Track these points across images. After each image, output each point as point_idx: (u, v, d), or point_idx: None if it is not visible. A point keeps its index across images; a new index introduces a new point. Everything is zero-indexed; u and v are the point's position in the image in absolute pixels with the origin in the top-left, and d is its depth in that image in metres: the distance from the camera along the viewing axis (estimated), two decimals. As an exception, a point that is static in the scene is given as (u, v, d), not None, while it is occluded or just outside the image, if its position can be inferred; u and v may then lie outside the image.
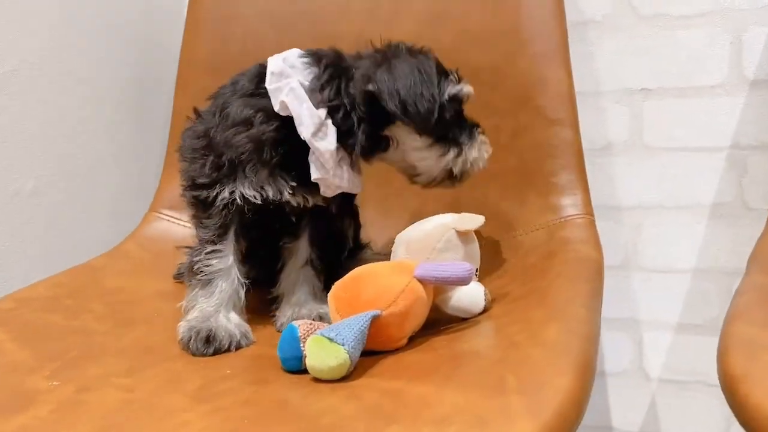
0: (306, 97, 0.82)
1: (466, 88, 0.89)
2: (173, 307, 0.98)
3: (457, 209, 1.10)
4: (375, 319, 0.70)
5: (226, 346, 0.79)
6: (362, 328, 0.68)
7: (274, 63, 0.85)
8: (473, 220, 0.83)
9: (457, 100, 0.89)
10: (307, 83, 0.84)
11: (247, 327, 0.84)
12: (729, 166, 1.17)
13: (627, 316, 1.28)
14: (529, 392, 0.59)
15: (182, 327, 0.82)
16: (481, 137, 0.92)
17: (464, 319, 0.81)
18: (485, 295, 0.81)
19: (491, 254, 0.97)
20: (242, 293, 0.86)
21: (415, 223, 0.86)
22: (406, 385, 0.64)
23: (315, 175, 0.83)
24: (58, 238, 1.17)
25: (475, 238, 0.85)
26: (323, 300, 0.86)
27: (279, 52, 0.90)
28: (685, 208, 1.21)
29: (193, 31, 1.24)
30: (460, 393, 0.61)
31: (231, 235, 0.86)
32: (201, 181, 0.84)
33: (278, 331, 0.86)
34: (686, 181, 1.20)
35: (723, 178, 1.18)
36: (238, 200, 0.83)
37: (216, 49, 1.23)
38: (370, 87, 0.83)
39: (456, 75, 0.89)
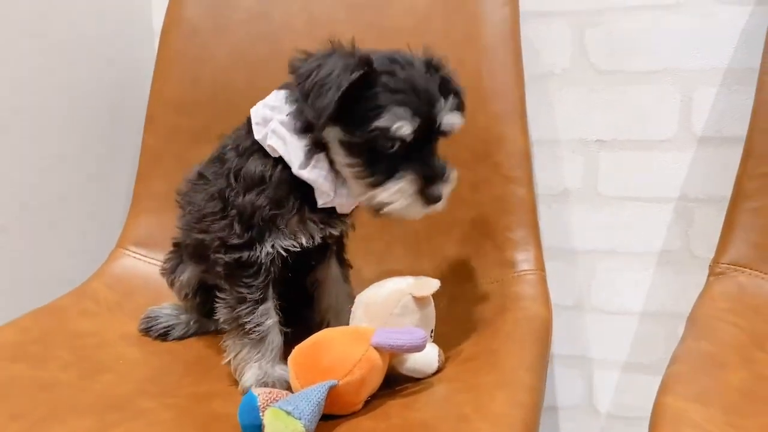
0: (287, 134, 0.83)
1: (403, 130, 0.77)
2: (138, 352, 1.01)
3: (418, 256, 1.15)
4: (332, 388, 0.74)
5: None
6: (319, 400, 0.72)
7: (255, 113, 0.86)
8: (429, 286, 0.86)
9: (386, 135, 0.77)
10: (286, 118, 0.83)
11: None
12: (677, 216, 1.23)
13: (579, 353, 1.33)
14: (471, 471, 0.64)
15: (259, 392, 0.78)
16: (400, 184, 0.79)
17: (419, 379, 0.85)
18: (439, 356, 0.86)
19: (448, 305, 1.00)
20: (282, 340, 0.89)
21: (374, 285, 0.89)
22: (359, 460, 0.68)
23: (320, 202, 0.85)
24: (25, 274, 1.18)
25: (431, 300, 0.88)
26: None
27: (249, 93, 0.91)
28: (636, 254, 1.27)
29: (163, 69, 1.25)
30: (408, 471, 0.65)
31: (271, 290, 0.87)
32: (235, 242, 0.85)
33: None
34: (637, 229, 1.26)
35: (671, 228, 1.24)
36: (281, 251, 0.85)
37: (186, 88, 1.24)
38: (296, 62, 0.81)
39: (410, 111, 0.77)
